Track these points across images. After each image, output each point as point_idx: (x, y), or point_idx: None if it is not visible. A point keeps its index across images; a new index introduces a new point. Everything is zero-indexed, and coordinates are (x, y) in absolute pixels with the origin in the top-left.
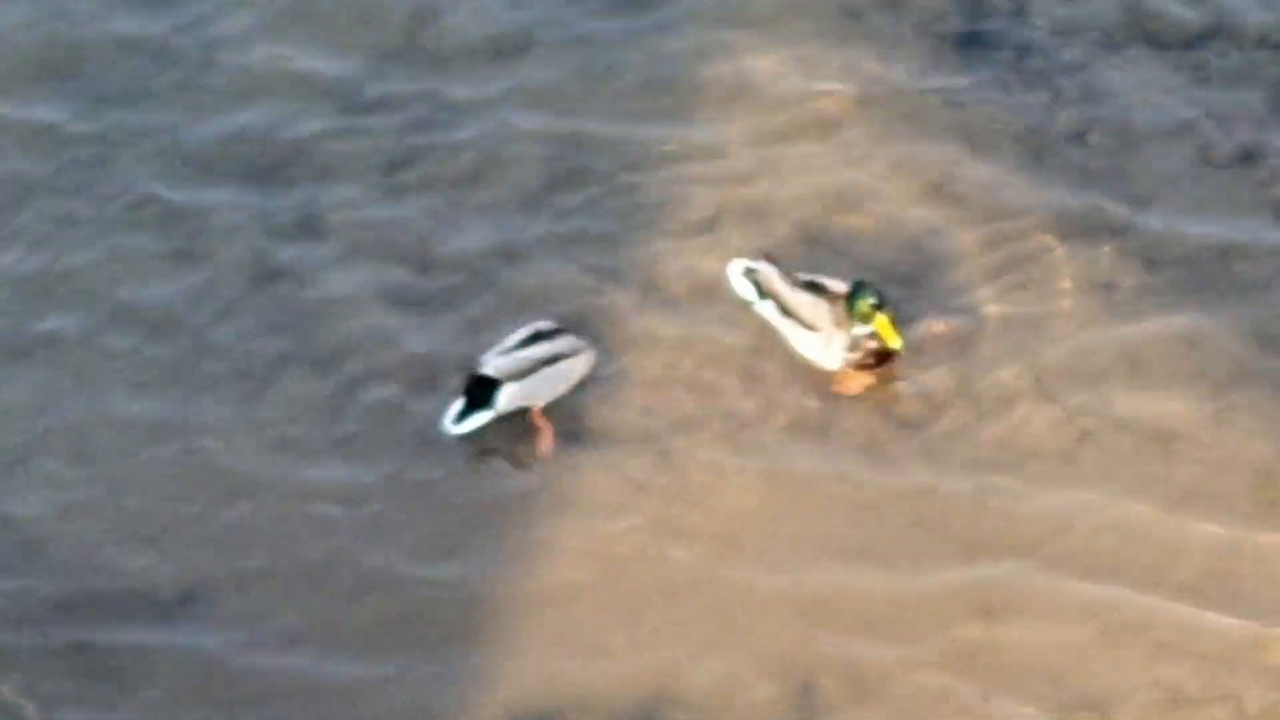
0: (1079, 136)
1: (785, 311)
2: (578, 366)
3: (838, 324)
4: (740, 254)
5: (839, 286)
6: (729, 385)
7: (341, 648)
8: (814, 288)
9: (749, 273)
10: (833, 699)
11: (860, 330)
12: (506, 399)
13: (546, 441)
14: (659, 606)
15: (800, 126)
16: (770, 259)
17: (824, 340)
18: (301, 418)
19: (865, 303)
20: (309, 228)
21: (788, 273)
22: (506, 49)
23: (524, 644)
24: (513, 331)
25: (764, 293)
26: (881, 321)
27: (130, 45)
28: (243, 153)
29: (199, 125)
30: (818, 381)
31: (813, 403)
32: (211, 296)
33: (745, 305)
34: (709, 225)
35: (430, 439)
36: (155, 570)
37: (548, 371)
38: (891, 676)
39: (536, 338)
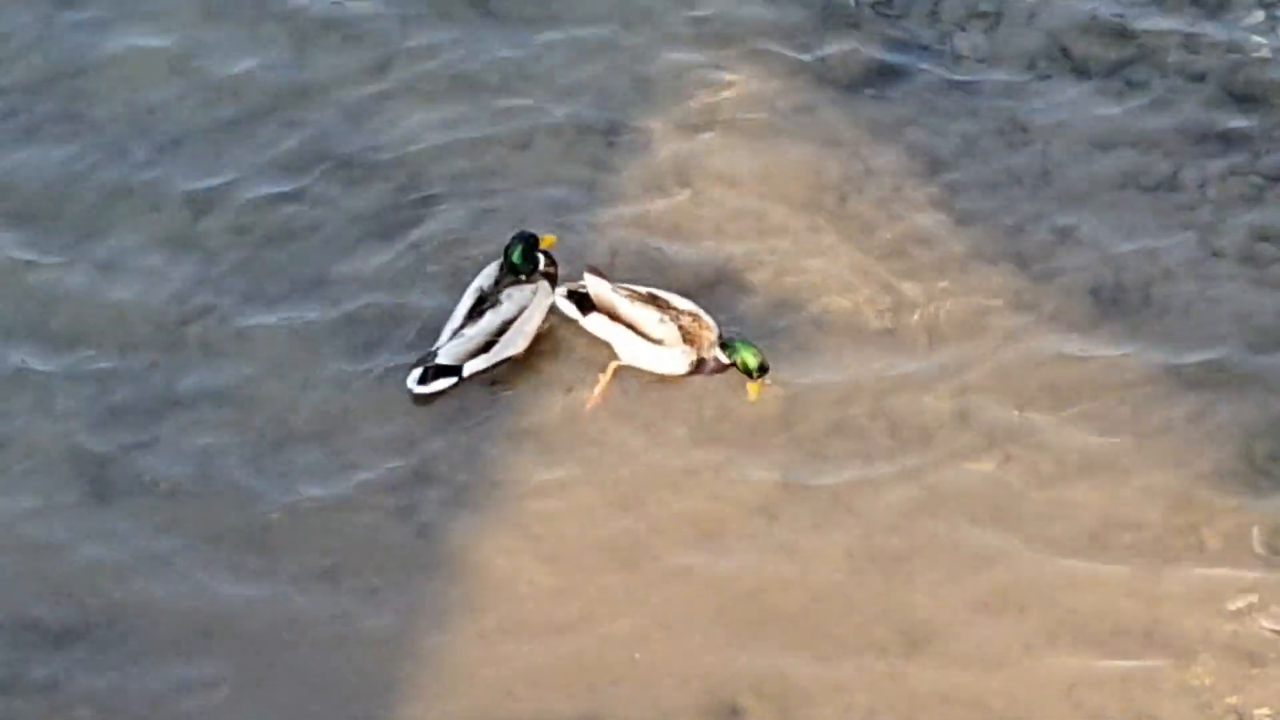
0: (1000, 160)
1: (628, 326)
2: (533, 318)
3: (685, 340)
4: (573, 277)
5: (679, 301)
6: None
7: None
8: (654, 301)
9: (574, 293)
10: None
11: (720, 356)
12: (470, 369)
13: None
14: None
15: (692, 173)
16: (597, 272)
17: (671, 355)
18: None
19: (748, 357)
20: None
21: (619, 285)
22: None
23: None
24: (460, 298)
25: (593, 306)
26: (754, 386)
27: None
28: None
29: None
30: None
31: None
32: None
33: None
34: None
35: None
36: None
37: (502, 339)
38: (816, 698)
39: (481, 303)
